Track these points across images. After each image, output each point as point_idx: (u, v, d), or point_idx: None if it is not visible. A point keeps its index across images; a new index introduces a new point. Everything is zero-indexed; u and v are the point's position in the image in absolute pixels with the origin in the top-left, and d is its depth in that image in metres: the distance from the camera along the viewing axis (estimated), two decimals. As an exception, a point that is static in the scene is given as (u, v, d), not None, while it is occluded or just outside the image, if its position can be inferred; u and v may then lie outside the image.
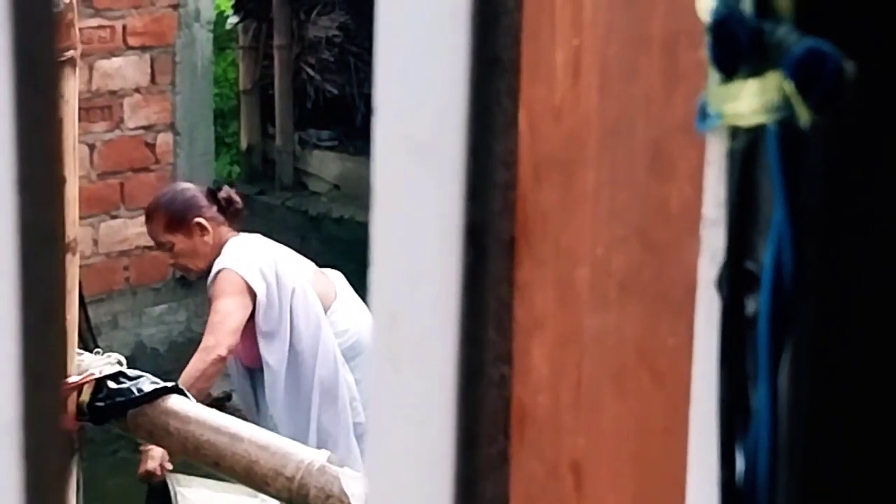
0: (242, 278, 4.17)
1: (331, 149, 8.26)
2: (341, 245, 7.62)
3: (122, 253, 6.86)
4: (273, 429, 4.11)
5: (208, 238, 4.30)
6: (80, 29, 7.03)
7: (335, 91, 8.13)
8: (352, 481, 2.49)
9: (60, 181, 2.22)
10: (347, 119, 8.20)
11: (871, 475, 0.61)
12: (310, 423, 4.30)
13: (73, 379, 2.68)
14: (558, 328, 0.76)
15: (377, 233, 0.54)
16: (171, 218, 4.35)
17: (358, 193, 7.89)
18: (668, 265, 0.70)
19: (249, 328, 4.22)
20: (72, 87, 2.54)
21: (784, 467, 0.62)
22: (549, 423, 0.78)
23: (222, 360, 4.10)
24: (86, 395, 2.71)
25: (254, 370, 4.39)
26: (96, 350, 2.88)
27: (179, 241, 4.33)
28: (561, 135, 0.75)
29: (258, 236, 4.55)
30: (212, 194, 4.45)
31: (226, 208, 4.44)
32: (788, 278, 0.62)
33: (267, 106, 8.29)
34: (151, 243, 7.17)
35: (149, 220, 4.53)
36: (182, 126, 6.95)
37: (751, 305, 0.63)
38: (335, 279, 4.56)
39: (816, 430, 0.61)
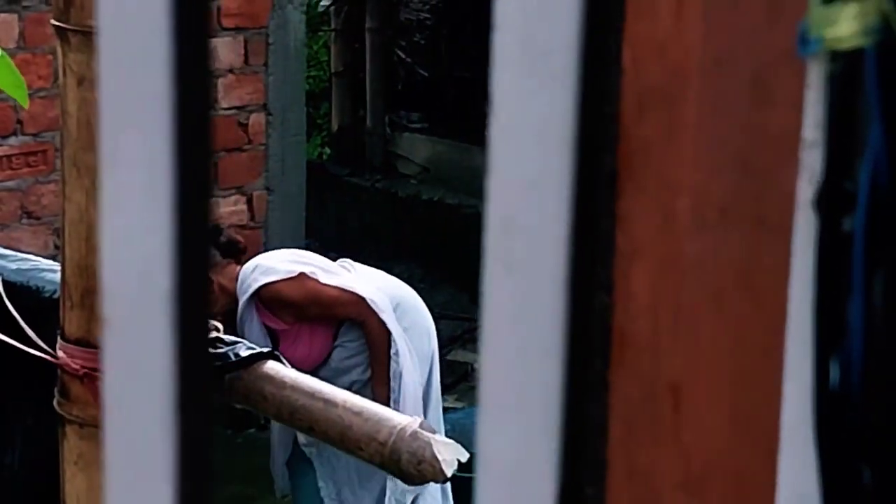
0: (278, 282, 4.48)
1: (421, 131, 8.31)
2: (430, 227, 7.67)
3: (215, 231, 6.95)
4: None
5: (215, 286, 4.51)
6: (177, 10, 7.00)
7: (426, 74, 8.18)
8: (443, 447, 2.53)
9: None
10: (438, 102, 8.24)
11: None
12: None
13: (171, 344, 2.73)
14: (658, 255, 0.79)
15: (495, 141, 0.57)
16: None
17: (447, 176, 7.93)
18: (767, 189, 0.73)
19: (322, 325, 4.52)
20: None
21: (877, 377, 0.65)
22: (648, 347, 0.81)
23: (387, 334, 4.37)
24: (184, 360, 2.76)
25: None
26: (194, 317, 2.94)
27: None
28: (664, 69, 0.78)
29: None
30: (213, 243, 4.70)
31: (227, 250, 4.70)
32: (884, 196, 0.64)
33: (358, 88, 8.35)
34: (244, 222, 7.30)
35: None
36: (274, 107, 7.03)
37: (847, 224, 0.66)
38: (346, 262, 4.80)
39: (910, 341, 0.64)
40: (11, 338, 2.72)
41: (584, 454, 0.57)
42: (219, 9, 6.75)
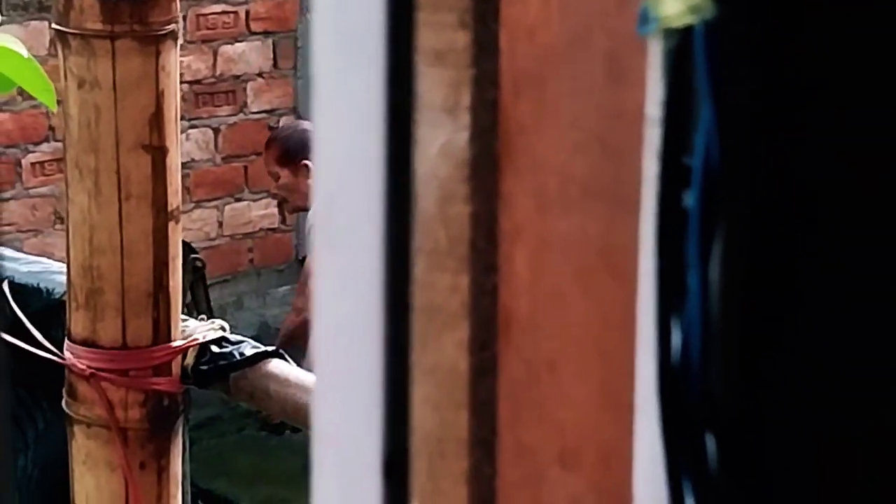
0: None
1: (453, 132, 8.33)
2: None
3: (247, 235, 7.00)
4: None
5: (312, 181, 4.65)
6: (205, 15, 7.14)
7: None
8: (442, 441, 2.55)
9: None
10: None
11: (796, 351, 0.65)
12: None
13: (177, 343, 2.77)
14: (535, 235, 0.81)
15: (317, 120, 0.59)
16: (283, 153, 4.74)
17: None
18: (623, 167, 0.75)
19: None
20: (173, 60, 2.63)
21: (715, 348, 0.66)
22: (529, 326, 0.82)
23: (308, 322, 4.49)
24: (190, 359, 2.80)
25: None
26: (200, 317, 2.97)
27: (285, 175, 4.71)
28: (535, 51, 0.80)
29: None
30: None
31: None
32: (716, 172, 0.66)
33: (389, 90, 8.38)
34: (275, 226, 7.33)
35: (266, 148, 4.92)
36: (304, 110, 7.06)
37: (686, 198, 0.67)
38: None
39: (743, 310, 0.66)
40: (22, 341, 2.76)
41: (407, 426, 0.58)
42: (247, 13, 6.80)
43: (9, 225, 6.19)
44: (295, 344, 4.65)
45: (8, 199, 6.22)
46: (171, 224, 2.70)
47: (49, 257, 3.48)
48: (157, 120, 2.61)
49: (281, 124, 5.34)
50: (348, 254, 0.58)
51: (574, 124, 0.76)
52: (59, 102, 2.62)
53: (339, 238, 0.59)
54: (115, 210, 2.60)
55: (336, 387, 0.60)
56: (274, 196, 4.94)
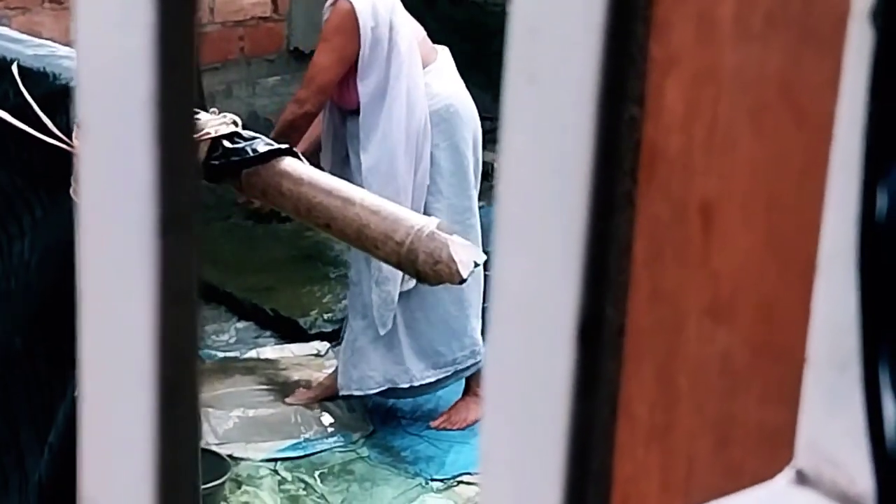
0: (355, 13, 4.51)
1: (449, -76, 8.12)
2: (456, 24, 7.55)
3: (238, 23, 6.86)
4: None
5: None
6: None
7: None
8: (460, 248, 2.50)
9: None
10: None
11: None
12: (397, 171, 4.57)
13: (188, 136, 2.68)
14: (695, 65, 0.74)
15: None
16: None
17: (475, -28, 7.78)
18: (818, -3, 0.67)
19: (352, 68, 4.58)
20: None
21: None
22: (680, 164, 0.76)
23: (309, 115, 4.51)
24: (202, 154, 2.72)
25: (346, 111, 4.68)
26: (212, 109, 2.89)
27: None
28: None
29: None
30: None
31: None
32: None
33: None
34: (267, 14, 7.18)
35: None
36: None
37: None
38: (440, 49, 4.90)
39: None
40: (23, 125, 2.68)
41: (607, 278, 0.52)
42: None
43: (-4, 1, 6.03)
44: (292, 135, 4.61)
45: (-4, -25, 6.05)
46: (186, 13, 2.59)
47: (37, 36, 3.36)
48: None
49: None
50: (553, 92, 0.51)
51: (761, -55, 0.69)
52: None
53: (541, 74, 0.52)
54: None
55: (525, 243, 0.53)
56: None
